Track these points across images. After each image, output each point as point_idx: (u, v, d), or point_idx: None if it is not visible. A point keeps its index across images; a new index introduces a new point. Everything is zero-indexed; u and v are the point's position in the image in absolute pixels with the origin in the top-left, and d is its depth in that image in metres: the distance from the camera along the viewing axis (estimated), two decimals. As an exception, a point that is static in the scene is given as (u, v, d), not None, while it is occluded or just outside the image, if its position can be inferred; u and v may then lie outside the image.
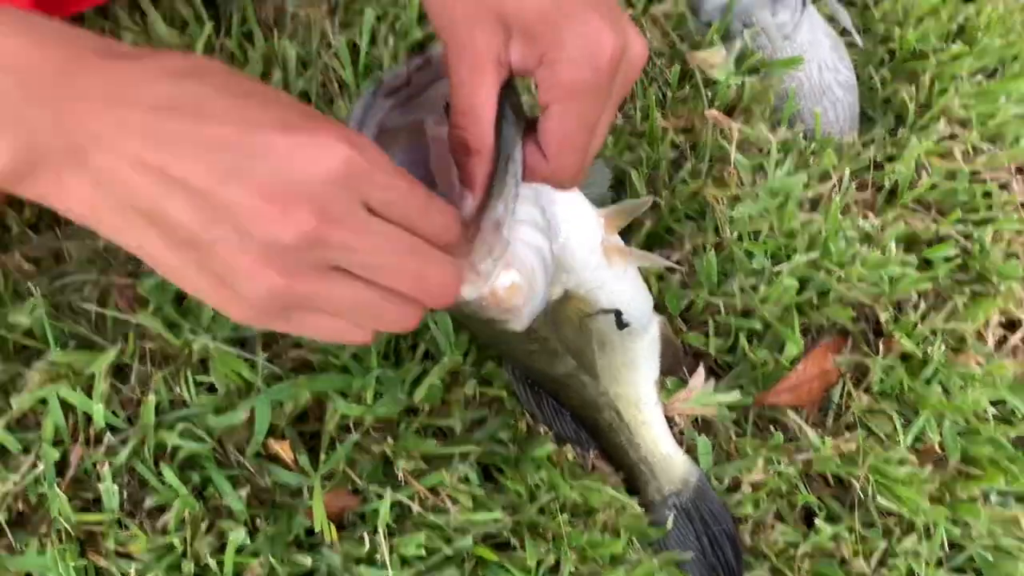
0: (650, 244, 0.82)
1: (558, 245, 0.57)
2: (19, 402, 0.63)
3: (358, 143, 0.39)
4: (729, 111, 0.90)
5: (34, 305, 0.66)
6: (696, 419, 0.78)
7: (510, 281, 0.52)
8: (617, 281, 0.62)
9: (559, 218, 0.57)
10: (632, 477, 0.73)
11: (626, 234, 0.81)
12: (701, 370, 0.77)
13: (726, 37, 0.93)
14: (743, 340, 0.80)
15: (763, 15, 0.93)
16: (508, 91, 0.47)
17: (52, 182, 0.37)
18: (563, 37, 0.45)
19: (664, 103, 0.87)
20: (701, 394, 0.76)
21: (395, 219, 0.40)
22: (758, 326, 0.80)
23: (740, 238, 0.81)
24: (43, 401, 0.64)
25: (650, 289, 0.78)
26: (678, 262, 0.82)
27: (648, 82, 0.87)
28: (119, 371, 0.67)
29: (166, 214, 0.37)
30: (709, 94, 0.88)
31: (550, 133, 0.47)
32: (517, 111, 0.47)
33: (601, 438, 0.72)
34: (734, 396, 0.76)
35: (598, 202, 0.62)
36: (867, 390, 0.84)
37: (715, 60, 0.86)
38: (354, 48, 0.80)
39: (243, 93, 0.38)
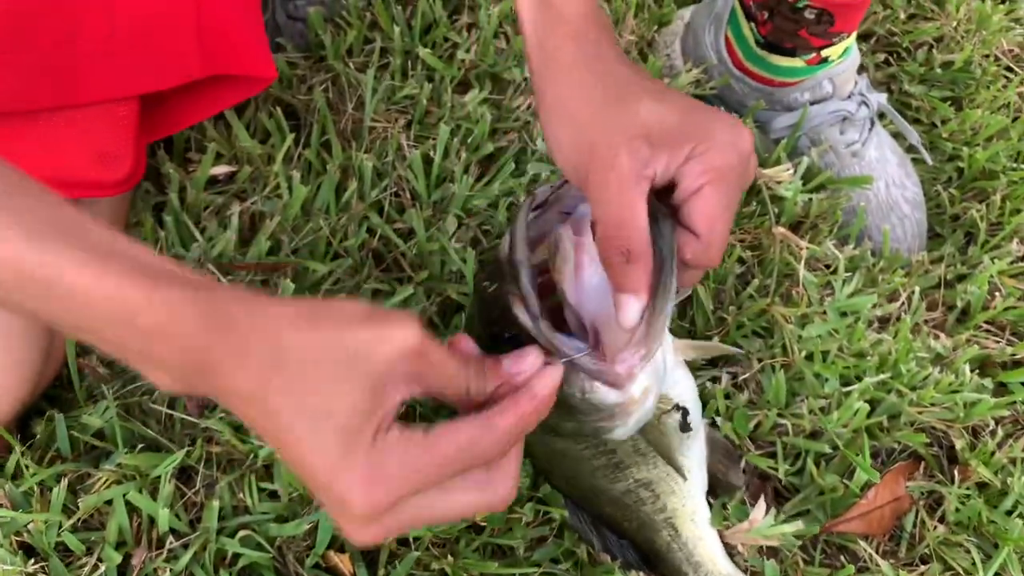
0: (716, 360, 0.81)
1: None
2: (86, 503, 0.63)
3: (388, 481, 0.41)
4: (795, 227, 0.90)
5: (106, 407, 0.67)
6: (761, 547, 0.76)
7: (646, 384, 0.54)
8: (687, 379, 0.63)
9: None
10: None
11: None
12: (762, 503, 0.74)
13: (793, 154, 0.94)
14: (811, 464, 0.78)
15: (831, 133, 0.93)
16: (655, 202, 0.52)
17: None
18: (711, 130, 0.51)
19: (731, 218, 0.87)
20: (762, 526, 0.73)
21: None
22: (827, 449, 0.78)
23: (809, 358, 0.79)
24: (108, 502, 0.64)
25: (717, 406, 0.77)
26: (745, 382, 0.80)
27: (715, 198, 0.88)
28: (184, 474, 0.67)
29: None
30: (776, 210, 0.88)
31: (701, 213, 0.51)
32: (668, 219, 0.52)
33: (661, 564, 0.70)
34: (797, 526, 0.73)
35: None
36: (942, 520, 0.80)
37: (783, 177, 0.87)
38: (427, 160, 0.82)
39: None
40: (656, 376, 0.55)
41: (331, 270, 0.76)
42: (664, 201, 0.53)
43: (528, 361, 0.45)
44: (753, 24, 0.93)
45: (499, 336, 0.53)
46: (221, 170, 0.80)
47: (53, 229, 0.38)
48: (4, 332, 0.62)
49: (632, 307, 0.51)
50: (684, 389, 0.63)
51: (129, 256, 0.39)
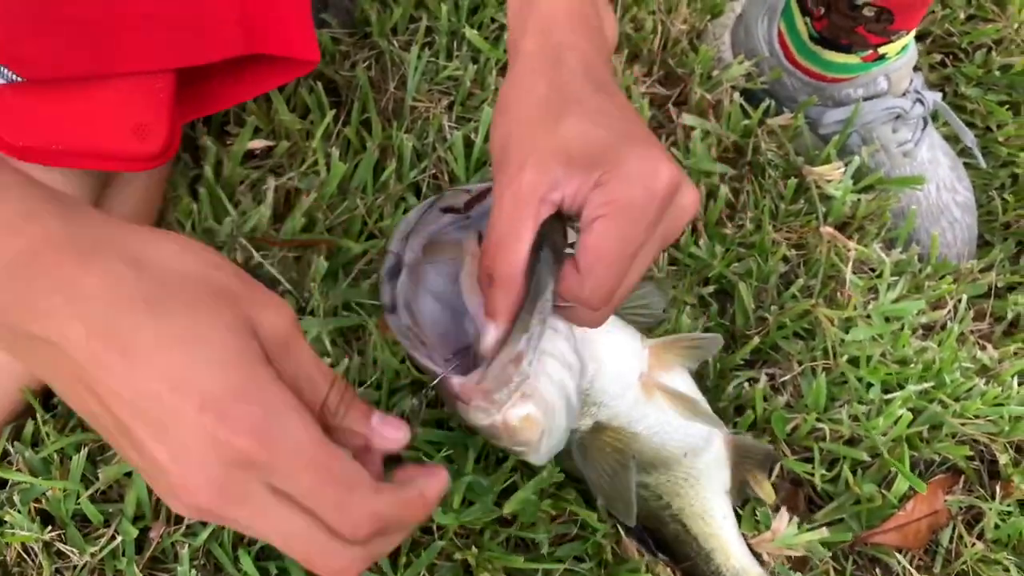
0: (755, 360, 0.79)
1: (586, 380, 0.56)
2: (106, 473, 0.63)
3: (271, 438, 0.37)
4: (841, 228, 0.87)
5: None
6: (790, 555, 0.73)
7: (525, 412, 0.51)
8: (660, 413, 0.60)
9: (587, 355, 0.56)
10: None
11: (730, 348, 0.78)
12: (784, 513, 0.72)
13: (843, 152, 0.91)
14: (847, 471, 0.75)
15: (884, 131, 0.91)
16: (551, 229, 0.48)
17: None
18: (623, 158, 0.46)
19: (776, 215, 0.85)
20: (785, 535, 0.71)
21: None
22: (865, 457, 0.75)
23: (852, 362, 0.77)
24: (128, 474, 0.63)
25: (754, 409, 0.75)
26: (783, 384, 0.78)
27: (761, 193, 0.85)
28: (208, 448, 0.66)
29: (97, 421, 0.39)
30: (823, 209, 0.85)
31: (588, 248, 0.47)
32: (557, 250, 0.48)
33: (670, 551, 0.68)
34: (821, 533, 0.71)
35: (651, 326, 0.61)
36: (980, 536, 0.78)
37: (833, 175, 0.84)
38: (468, 143, 0.80)
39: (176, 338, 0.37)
40: (554, 407, 0.52)
41: (365, 250, 0.75)
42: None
43: (391, 433, 0.42)
44: (808, 19, 0.91)
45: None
46: (258, 144, 0.78)
47: None
48: None
49: (487, 332, 0.49)
50: (659, 422, 0.60)
51: None
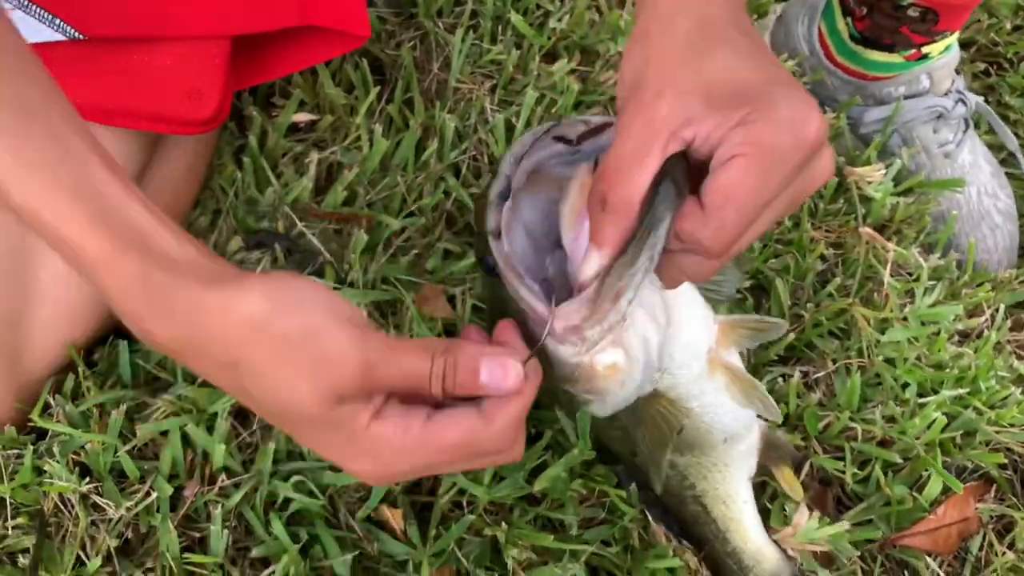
0: (788, 357, 0.78)
1: (663, 339, 0.53)
2: (143, 430, 0.63)
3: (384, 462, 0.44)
4: (880, 229, 0.86)
5: (172, 337, 0.67)
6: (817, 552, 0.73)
7: (612, 360, 0.49)
8: (716, 394, 0.58)
9: (674, 315, 0.53)
10: (721, 570, 0.68)
11: (764, 344, 0.78)
12: (804, 507, 0.71)
13: (883, 154, 0.91)
14: (879, 471, 0.75)
15: (924, 131, 0.90)
16: (674, 164, 0.44)
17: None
18: (775, 100, 0.43)
19: (815, 214, 0.84)
20: (807, 529, 0.70)
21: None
22: (897, 459, 0.75)
23: (890, 363, 0.76)
24: (164, 433, 0.64)
25: (787, 404, 0.74)
26: (816, 381, 0.78)
27: (800, 191, 0.85)
28: (240, 414, 0.67)
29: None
30: (863, 210, 0.85)
31: (720, 187, 0.43)
32: (679, 188, 0.44)
33: (687, 532, 0.68)
34: (843, 527, 0.70)
35: (723, 304, 0.59)
36: (1011, 546, 0.77)
37: (873, 176, 0.83)
38: (510, 126, 0.80)
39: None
40: (637, 361, 0.50)
41: (404, 227, 0.75)
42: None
43: (503, 384, 0.44)
44: (849, 19, 0.90)
45: (482, 259, 0.51)
46: (303, 117, 0.79)
47: (50, 159, 0.41)
48: None
49: (589, 259, 0.46)
50: (712, 402, 0.58)
51: (110, 205, 0.42)
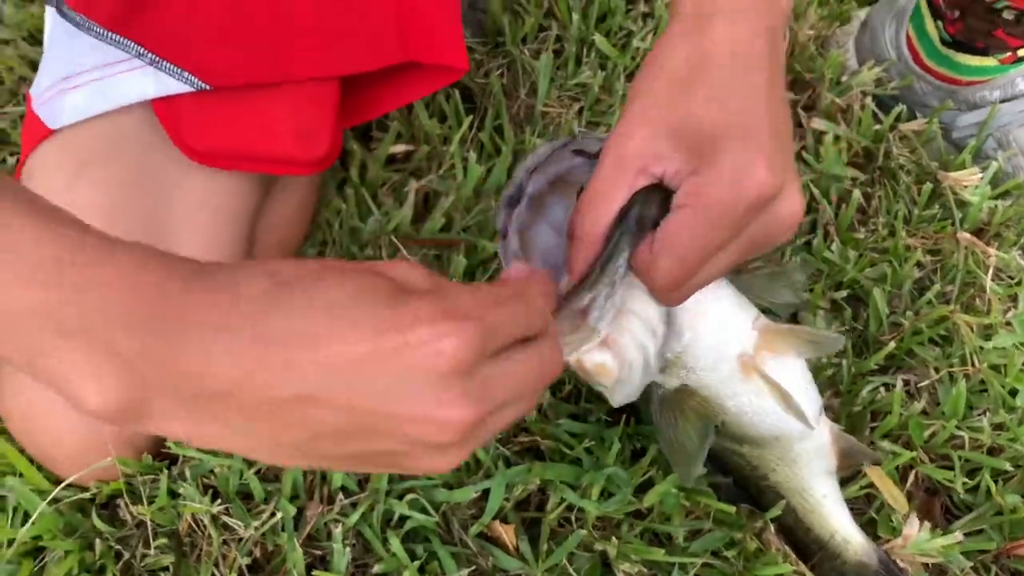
0: (888, 366, 0.78)
1: (680, 345, 0.57)
2: (266, 454, 0.66)
3: (456, 313, 0.36)
4: (977, 233, 0.85)
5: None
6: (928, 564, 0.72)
7: (600, 360, 0.53)
8: (753, 395, 0.60)
9: (685, 322, 0.57)
10: (804, 555, 0.68)
11: (863, 354, 0.77)
12: (914, 519, 0.70)
13: (977, 157, 0.90)
14: (988, 480, 0.73)
15: (1021, 134, 0.88)
16: (647, 199, 0.48)
17: (166, 419, 0.34)
18: (720, 152, 0.45)
19: (909, 220, 0.84)
20: (919, 540, 0.70)
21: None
22: (1007, 467, 0.73)
23: (996, 369, 0.75)
24: (285, 456, 0.67)
25: (890, 412, 0.74)
26: (918, 390, 0.77)
27: (894, 198, 0.84)
28: (354, 436, 0.70)
29: (318, 442, 0.36)
30: (959, 215, 0.84)
31: (665, 234, 0.47)
32: (643, 222, 0.48)
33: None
34: (956, 538, 0.69)
35: (789, 307, 0.61)
36: None
37: (970, 180, 0.82)
38: (599, 147, 0.82)
39: (327, 308, 0.35)
40: (630, 363, 0.54)
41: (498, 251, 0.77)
42: None
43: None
44: (940, 22, 0.89)
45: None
46: (400, 148, 0.82)
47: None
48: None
49: (562, 281, 0.51)
50: (750, 403, 0.59)
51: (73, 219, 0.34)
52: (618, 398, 0.56)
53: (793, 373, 0.61)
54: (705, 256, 0.47)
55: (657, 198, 0.48)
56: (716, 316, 0.58)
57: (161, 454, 0.67)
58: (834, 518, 0.67)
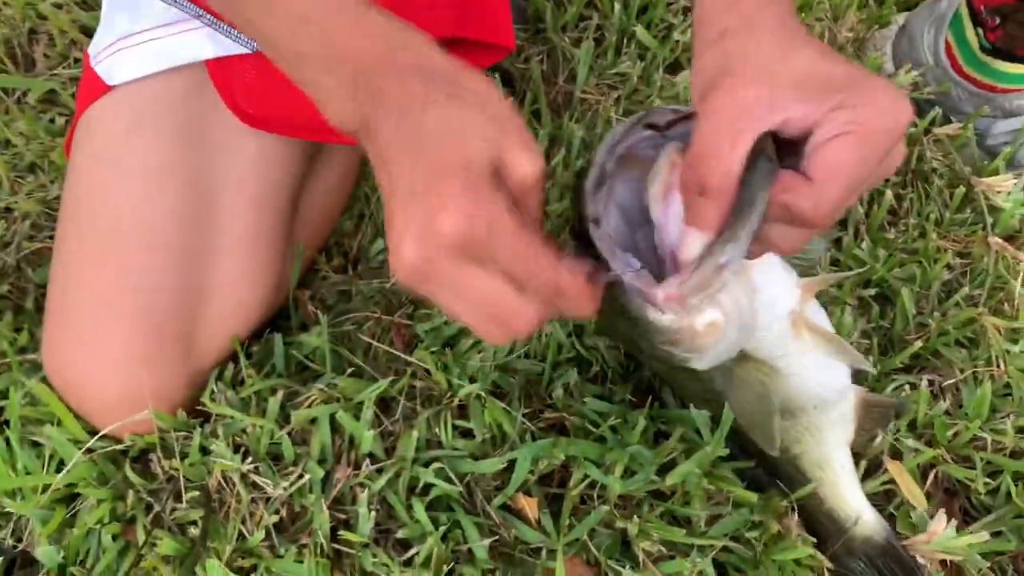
0: (913, 366, 0.78)
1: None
2: (297, 416, 0.68)
3: (480, 209, 0.43)
4: (1008, 239, 0.85)
5: (320, 330, 0.71)
6: (946, 562, 0.72)
7: (711, 318, 0.52)
8: (802, 355, 0.60)
9: (755, 279, 0.56)
10: (816, 529, 0.69)
11: (888, 352, 0.78)
12: (942, 514, 0.71)
13: (1010, 165, 0.90)
14: (1009, 482, 0.74)
15: (1056, 145, 0.89)
16: (765, 141, 0.47)
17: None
18: (874, 89, 0.47)
19: (940, 223, 0.84)
20: (943, 538, 0.70)
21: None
22: (1028, 471, 0.74)
23: (1022, 372, 0.76)
24: (313, 420, 0.68)
25: (916, 410, 0.74)
26: (943, 390, 0.77)
27: (926, 200, 0.85)
28: (383, 403, 0.71)
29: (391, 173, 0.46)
30: (991, 220, 0.84)
31: (826, 159, 0.47)
32: (772, 164, 0.47)
33: (782, 483, 0.69)
34: (981, 537, 0.69)
35: (806, 270, 0.62)
36: None
37: (1003, 186, 0.83)
38: (635, 135, 0.83)
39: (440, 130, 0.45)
40: (732, 319, 0.53)
41: (532, 232, 0.78)
42: (790, 151, 0.49)
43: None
44: (980, 29, 0.90)
45: (575, 230, 0.54)
46: (438, 127, 0.83)
47: None
48: (255, 256, 0.67)
49: (691, 241, 0.49)
50: (799, 363, 0.59)
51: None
52: (709, 358, 0.55)
53: (827, 324, 0.62)
54: (864, 179, 0.48)
55: (771, 144, 0.48)
56: (770, 272, 0.58)
57: (195, 411, 0.68)
58: (850, 492, 0.68)
